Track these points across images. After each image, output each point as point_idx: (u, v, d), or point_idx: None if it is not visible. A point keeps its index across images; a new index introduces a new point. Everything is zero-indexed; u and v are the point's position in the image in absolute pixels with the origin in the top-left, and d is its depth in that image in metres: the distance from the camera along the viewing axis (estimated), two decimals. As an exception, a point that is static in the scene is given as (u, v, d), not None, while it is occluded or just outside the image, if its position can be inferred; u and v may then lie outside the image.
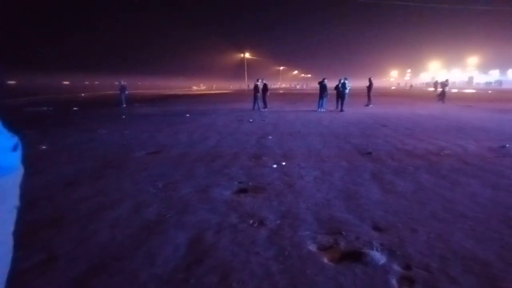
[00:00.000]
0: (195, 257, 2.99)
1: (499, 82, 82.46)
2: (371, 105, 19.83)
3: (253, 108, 18.52)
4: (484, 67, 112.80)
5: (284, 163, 6.26)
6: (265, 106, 18.95)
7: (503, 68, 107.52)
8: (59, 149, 7.99)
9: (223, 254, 3.02)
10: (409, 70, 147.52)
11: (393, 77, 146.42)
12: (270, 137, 9.26)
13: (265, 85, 19.25)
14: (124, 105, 22.56)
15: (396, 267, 2.76)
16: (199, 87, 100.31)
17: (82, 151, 7.70)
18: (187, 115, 16.08)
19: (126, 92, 23.83)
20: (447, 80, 24.25)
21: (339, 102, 17.72)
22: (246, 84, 64.84)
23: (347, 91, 17.61)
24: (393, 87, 78.78)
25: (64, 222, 3.78)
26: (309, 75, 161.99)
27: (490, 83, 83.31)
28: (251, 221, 3.72)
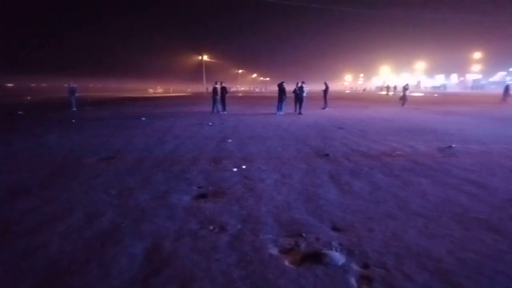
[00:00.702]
0: (153, 267, 2.86)
1: (444, 86, 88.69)
2: (327, 108, 20.40)
3: (212, 111, 18.35)
4: (431, 72, 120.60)
5: (244, 167, 6.23)
6: (224, 109, 18.85)
7: (447, 73, 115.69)
8: (2, 157, 7.39)
9: (183, 263, 2.92)
10: (362, 75, 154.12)
11: (347, 81, 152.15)
12: (230, 141, 9.20)
13: (224, 88, 19.15)
14: (74, 109, 21.42)
15: (354, 267, 2.81)
16: (155, 89, 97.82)
17: (29, 158, 7.17)
18: (143, 118, 15.57)
19: (76, 95, 22.64)
20: (407, 84, 25.62)
21: (297, 105, 18.05)
22: (205, 87, 64.22)
23: (304, 94, 17.98)
24: (347, 91, 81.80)
25: (7, 236, 3.47)
26: (268, 79, 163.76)
27: (436, 87, 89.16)
28: (212, 227, 3.64)
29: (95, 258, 3.01)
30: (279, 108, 18.18)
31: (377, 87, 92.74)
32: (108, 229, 3.61)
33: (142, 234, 3.49)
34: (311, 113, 17.95)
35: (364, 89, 77.92)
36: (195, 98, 41.40)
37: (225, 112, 18.40)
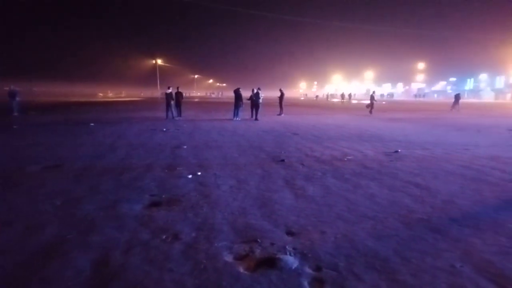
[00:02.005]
0: (101, 280, 2.72)
1: (391, 94, 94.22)
2: (283, 115, 20.79)
3: (167, 117, 17.97)
4: (379, 81, 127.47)
5: (199, 173, 6.15)
6: (179, 114, 18.53)
7: (394, 82, 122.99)
8: None
9: (133, 274, 2.80)
10: (315, 82, 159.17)
11: (302, 88, 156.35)
12: (185, 147, 9.05)
13: (179, 93, 18.85)
14: (16, 114, 19.95)
15: (307, 270, 2.87)
16: (106, 94, 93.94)
17: (-40, 167, 6.55)
18: (92, 124, 14.87)
19: (17, 99, 21.11)
20: (374, 92, 26.87)
21: (254, 111, 18.21)
22: (159, 92, 62.76)
23: (260, 100, 18.20)
24: (302, 98, 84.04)
25: None
26: (224, 84, 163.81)
27: (384, 95, 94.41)
28: (164, 236, 3.55)
29: (37, 273, 2.81)
30: (236, 114, 18.23)
31: (331, 95, 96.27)
32: (51, 242, 3.38)
33: (89, 246, 3.31)
34: (267, 119, 18.18)
35: (317, 96, 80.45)
36: (149, 103, 40.31)
37: (180, 118, 18.10)
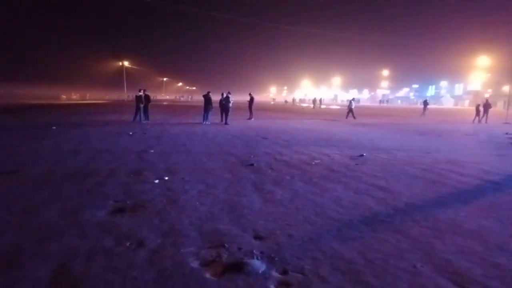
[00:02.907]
0: (59, 291, 2.59)
1: (358, 100, 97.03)
2: (252, 119, 20.86)
3: (134, 120, 17.52)
4: (346, 87, 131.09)
5: (167, 178, 6.03)
6: (146, 118, 18.14)
7: (360, 88, 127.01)
8: None
9: (94, 284, 2.69)
10: (285, 87, 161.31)
11: (272, 93, 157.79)
12: (152, 151, 8.85)
13: (147, 96, 18.46)
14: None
15: (274, 273, 2.88)
16: (70, 96, 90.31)
17: None
18: (54, 127, 14.24)
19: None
20: (353, 99, 27.52)
21: (223, 116, 18.16)
22: (126, 95, 61.13)
23: (230, 104, 18.17)
24: (272, 102, 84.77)
25: None
26: (194, 88, 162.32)
27: (351, 100, 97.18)
28: (129, 243, 3.43)
29: (-13, 287, 2.63)
30: (205, 118, 18.09)
31: (300, 99, 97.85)
32: (7, 252, 3.19)
33: (48, 255, 3.15)
34: (237, 123, 18.17)
35: (286, 101, 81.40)
36: (115, 106, 39.20)
37: (148, 121, 17.72)
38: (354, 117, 24.33)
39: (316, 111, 38.32)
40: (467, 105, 76.77)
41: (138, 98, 17.72)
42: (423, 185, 5.96)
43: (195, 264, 3.04)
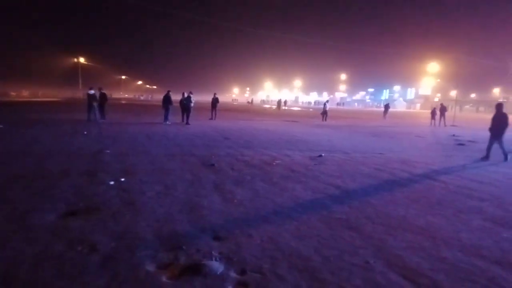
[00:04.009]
0: (1, 301, 2.41)
1: (317, 102, 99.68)
2: (215, 119, 20.71)
3: (89, 119, 16.76)
4: (306, 89, 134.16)
5: (123, 179, 5.82)
6: (103, 117, 17.42)
7: (320, 91, 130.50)
8: None
9: (41, 292, 2.54)
10: (248, 88, 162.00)
11: (235, 94, 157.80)
12: (108, 151, 8.51)
13: (103, 94, 17.74)
14: None
15: (232, 274, 2.87)
16: (20, 93, 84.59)
17: None
18: (1, 126, 13.28)
19: None
20: (327, 101, 27.94)
21: (185, 116, 17.89)
22: (81, 93, 58.43)
23: (192, 104, 17.93)
24: (235, 103, 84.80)
25: None
26: (155, 87, 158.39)
27: (311, 103, 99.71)
28: (80, 248, 3.28)
29: None
30: (166, 117, 17.72)
31: (262, 100, 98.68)
32: None
33: (-11, 263, 2.92)
34: (199, 123, 17.97)
35: (248, 102, 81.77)
36: (69, 104, 37.31)
37: (104, 121, 17.03)
38: (324, 119, 24.87)
39: (279, 113, 38.80)
40: (418, 108, 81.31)
41: (91, 96, 16.92)
42: (376, 184, 6.22)
43: (151, 267, 2.97)
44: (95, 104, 16.93)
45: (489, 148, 9.46)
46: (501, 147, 9.42)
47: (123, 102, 55.62)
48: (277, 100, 56.11)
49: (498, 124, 9.36)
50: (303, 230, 3.90)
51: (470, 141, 14.41)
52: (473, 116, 48.13)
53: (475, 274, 3.03)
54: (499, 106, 9.75)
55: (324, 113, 25.53)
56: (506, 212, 4.81)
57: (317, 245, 3.51)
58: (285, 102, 53.66)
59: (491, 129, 9.55)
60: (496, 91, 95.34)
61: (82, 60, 64.15)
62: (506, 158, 9.34)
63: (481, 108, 77.42)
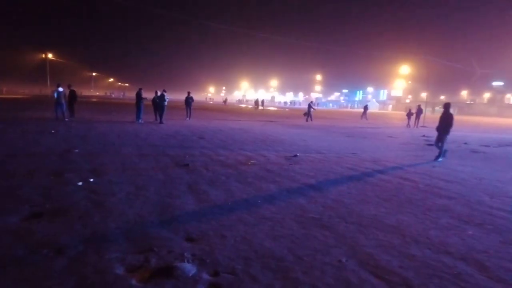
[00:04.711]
0: (-45, 311, 2.26)
1: (293, 102, 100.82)
2: (190, 119, 20.45)
3: (57, 117, 16.12)
4: (282, 89, 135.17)
5: (92, 180, 5.63)
6: (72, 115, 16.82)
7: (296, 91, 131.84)
8: None
9: (0, 299, 2.39)
10: (224, 88, 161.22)
11: (211, 93, 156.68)
12: (77, 151, 8.21)
13: (73, 92, 17.12)
14: None
15: (205, 276, 2.82)
16: None
17: None
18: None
19: None
20: (312, 102, 27.95)
21: (158, 114, 17.56)
22: (50, 90, 56.22)
23: (165, 103, 17.62)
24: (211, 102, 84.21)
25: None
26: (127, 84, 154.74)
27: (287, 103, 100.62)
28: (45, 251, 3.13)
29: None
30: (138, 116, 17.33)
31: (238, 100, 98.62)
32: None
33: None
34: (173, 123, 17.69)
35: (224, 101, 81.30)
36: (36, 102, 35.80)
37: (73, 119, 16.45)
38: (307, 120, 24.97)
39: (256, 112, 38.83)
40: (390, 109, 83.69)
41: (59, 93, 16.22)
42: (349, 183, 6.33)
43: (120, 270, 2.87)
44: (63, 101, 16.30)
45: (439, 147, 9.66)
46: (441, 145, 9.58)
47: (94, 100, 54.02)
48: (254, 99, 56.28)
49: (445, 123, 9.51)
50: (277, 230, 3.89)
51: (438, 141, 14.95)
52: (441, 117, 50.00)
53: (442, 271, 3.12)
54: (446, 106, 9.96)
55: (308, 113, 25.67)
56: (471, 210, 5.00)
57: (291, 245, 3.51)
58: (263, 102, 53.81)
59: (438, 128, 9.69)
60: (464, 93, 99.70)
61: (50, 56, 61.68)
62: (438, 157, 9.51)
63: (450, 110, 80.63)
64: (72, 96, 17.01)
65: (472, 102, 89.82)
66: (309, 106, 26.61)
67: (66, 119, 16.06)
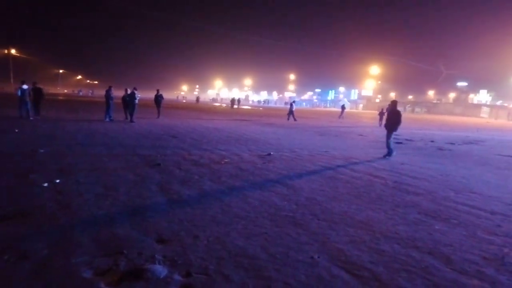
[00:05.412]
0: None
1: (267, 101, 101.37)
2: (161, 117, 20.06)
3: (21, 116, 15.39)
4: (256, 88, 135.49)
5: (58, 181, 5.40)
6: (37, 113, 16.11)
7: (270, 90, 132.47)
8: None
9: (-44, 309, 2.25)
10: (197, 86, 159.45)
11: (184, 91, 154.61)
12: (43, 151, 7.86)
13: (38, 89, 16.40)
14: None
15: (177, 277, 2.77)
16: None
17: None
18: None
19: None
20: (294, 101, 27.89)
21: (128, 113, 17.13)
22: (13, 87, 53.68)
23: (136, 101, 17.21)
24: (184, 101, 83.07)
25: None
26: (96, 82, 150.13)
27: (261, 101, 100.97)
28: (7, 256, 2.97)
29: None
30: (108, 115, 16.84)
31: (211, 99, 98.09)
32: None
33: None
34: (144, 121, 17.30)
35: (196, 100, 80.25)
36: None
37: (39, 118, 15.76)
38: (288, 119, 25.09)
39: (231, 111, 38.67)
40: (361, 109, 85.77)
41: (22, 91, 15.48)
42: (321, 181, 6.42)
43: (88, 274, 2.77)
44: (28, 99, 15.57)
45: (388, 144, 9.72)
46: (389, 143, 9.65)
47: (61, 98, 52.01)
48: (230, 98, 56.04)
49: (392, 121, 9.63)
50: (250, 229, 3.89)
51: (407, 139, 15.46)
52: (410, 116, 51.76)
53: (411, 265, 3.22)
54: (393, 104, 10.10)
55: (291, 113, 25.74)
56: (438, 206, 5.20)
57: (264, 243, 3.51)
58: (239, 100, 53.66)
59: (386, 125, 9.83)
60: (431, 93, 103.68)
61: (13, 51, 58.80)
62: (388, 155, 9.65)
63: (417, 109, 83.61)
64: (38, 94, 16.29)
65: (438, 102, 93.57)
66: (291, 105, 26.64)
67: (31, 118, 15.37)
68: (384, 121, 25.28)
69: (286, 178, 6.53)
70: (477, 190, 6.29)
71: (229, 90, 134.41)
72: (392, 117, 9.77)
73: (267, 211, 4.55)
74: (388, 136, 9.77)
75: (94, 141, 9.96)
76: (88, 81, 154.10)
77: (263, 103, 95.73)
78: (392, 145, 9.88)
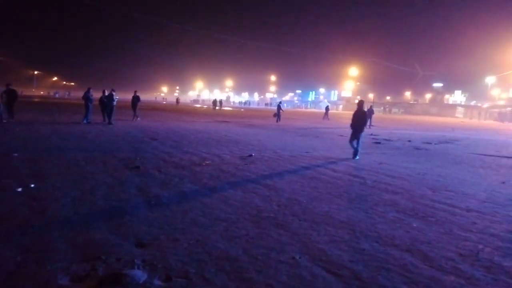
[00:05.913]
0: None
1: (248, 103, 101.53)
2: (139, 119, 19.64)
3: (-6, 119, 14.84)
4: (238, 89, 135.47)
5: (33, 185, 5.22)
6: (11, 116, 15.56)
7: (251, 91, 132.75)
8: None
9: None
10: (177, 87, 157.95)
11: (164, 93, 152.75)
12: (16, 155, 7.59)
13: (12, 91, 15.84)
14: None
15: (156, 282, 2.72)
16: None
17: None
18: None
19: None
20: (280, 102, 27.77)
21: (106, 115, 16.77)
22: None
23: (114, 103, 16.87)
24: (164, 102, 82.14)
25: None
26: (73, 83, 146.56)
27: (242, 102, 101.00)
28: (-24, 266, 2.84)
29: None
30: (85, 117, 16.45)
31: (193, 100, 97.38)
32: None
33: None
34: (123, 123, 16.99)
35: (176, 101, 79.14)
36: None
37: (12, 120, 15.23)
38: (277, 121, 24.92)
39: (212, 112, 38.46)
40: (341, 109, 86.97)
41: None
42: (302, 181, 6.46)
43: (64, 280, 2.68)
44: (0, 102, 15.02)
45: (353, 145, 9.59)
46: (357, 144, 9.47)
47: (36, 100, 50.49)
48: (211, 100, 55.81)
49: (358, 121, 9.46)
50: (231, 231, 3.87)
51: (385, 139, 15.78)
52: (388, 117, 52.89)
53: (390, 263, 3.27)
54: (360, 104, 10.11)
55: (278, 114, 25.69)
56: (415, 204, 5.32)
57: (245, 245, 3.50)
58: (221, 102, 53.48)
59: (352, 126, 9.63)
60: (408, 94, 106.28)
61: (-15, 52, 56.64)
62: (355, 156, 9.47)
63: (395, 110, 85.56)
64: (11, 96, 15.74)
65: (415, 102, 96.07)
66: (279, 106, 26.56)
67: (4, 121, 14.82)
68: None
69: (268, 179, 6.54)
70: (453, 188, 6.47)
71: (210, 92, 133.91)
72: (358, 117, 9.53)
73: (249, 212, 4.54)
74: (354, 136, 9.50)
75: (70, 144, 9.70)
76: (64, 82, 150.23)
77: (244, 104, 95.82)
78: (360, 146, 9.63)
